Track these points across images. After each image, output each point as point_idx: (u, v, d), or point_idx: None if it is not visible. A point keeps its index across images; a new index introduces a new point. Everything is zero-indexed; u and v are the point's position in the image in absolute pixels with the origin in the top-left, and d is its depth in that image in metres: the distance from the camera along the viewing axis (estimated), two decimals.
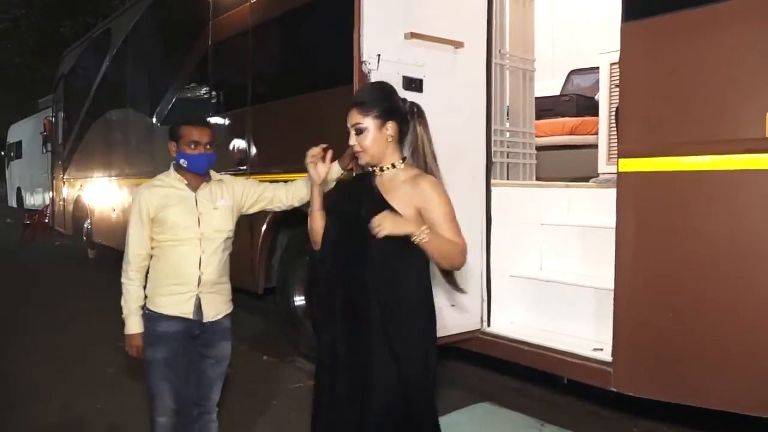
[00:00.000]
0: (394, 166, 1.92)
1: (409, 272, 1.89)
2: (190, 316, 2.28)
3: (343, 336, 1.90)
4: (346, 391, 1.89)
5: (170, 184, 2.34)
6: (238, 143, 4.95)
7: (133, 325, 2.29)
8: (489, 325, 3.41)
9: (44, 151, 11.14)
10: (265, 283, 4.72)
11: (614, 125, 4.52)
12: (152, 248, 2.30)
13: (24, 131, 18.69)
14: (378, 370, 1.84)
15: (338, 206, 2.00)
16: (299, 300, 4.46)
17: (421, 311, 1.93)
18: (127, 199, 7.46)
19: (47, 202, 12.81)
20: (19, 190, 20.07)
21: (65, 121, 9.74)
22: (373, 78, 2.85)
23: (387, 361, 1.84)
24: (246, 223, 4.79)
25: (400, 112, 1.92)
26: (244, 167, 4.79)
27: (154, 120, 6.52)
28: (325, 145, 2.06)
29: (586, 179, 4.57)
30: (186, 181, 2.34)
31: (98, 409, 3.44)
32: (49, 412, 3.40)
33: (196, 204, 2.32)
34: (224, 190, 2.41)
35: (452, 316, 3.23)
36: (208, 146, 2.31)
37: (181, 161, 2.32)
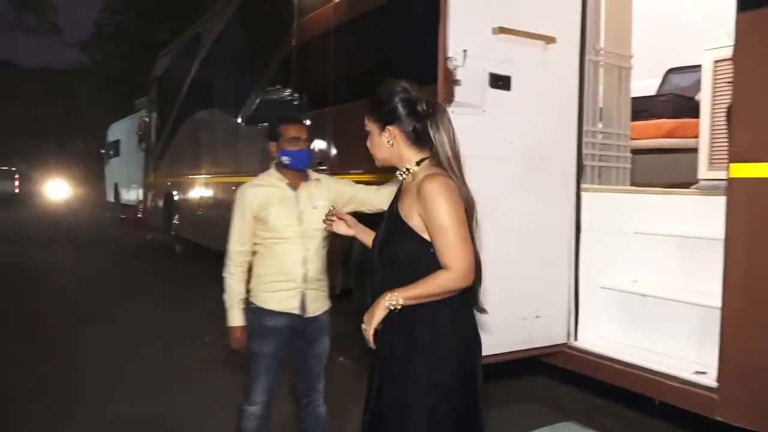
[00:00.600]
0: (408, 170, 1.80)
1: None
2: (296, 312, 2.35)
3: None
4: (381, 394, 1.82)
5: (272, 183, 2.41)
6: (320, 143, 4.96)
7: (235, 318, 2.37)
8: (576, 339, 3.20)
9: (139, 149, 11.76)
10: (342, 284, 4.70)
11: (717, 127, 4.16)
12: (255, 245, 2.39)
13: (122, 131, 19.84)
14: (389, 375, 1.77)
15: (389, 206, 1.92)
16: None
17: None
18: (212, 197, 7.70)
19: (141, 198, 13.50)
20: (116, 186, 21.33)
21: (158, 121, 10.22)
22: (459, 76, 2.73)
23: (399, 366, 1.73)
24: None
25: (408, 114, 1.77)
26: (325, 167, 4.79)
27: (239, 120, 6.68)
28: (331, 209, 2.19)
29: (683, 185, 4.23)
30: (287, 180, 2.40)
31: (179, 402, 3.52)
32: (134, 405, 3.51)
33: (297, 202, 2.38)
34: (321, 189, 2.46)
35: (537, 328, 3.06)
36: (305, 142, 2.42)
37: (284, 158, 2.39)
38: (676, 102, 5.11)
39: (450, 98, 2.74)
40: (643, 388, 2.85)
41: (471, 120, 2.82)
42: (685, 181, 4.43)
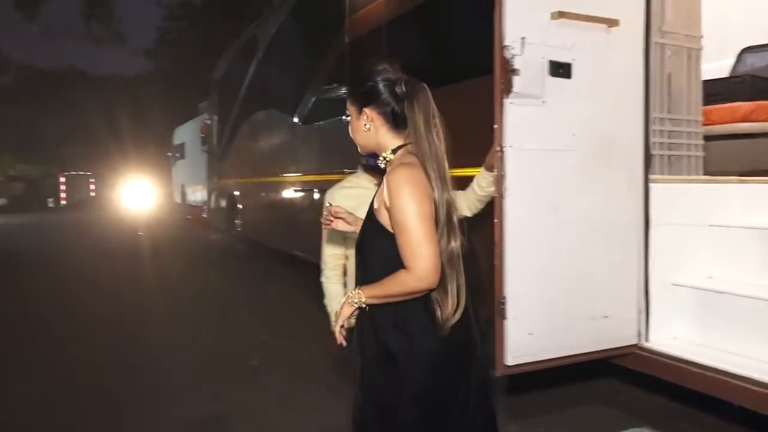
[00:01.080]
0: (385, 158, 1.69)
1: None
2: None
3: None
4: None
5: (361, 185, 2.33)
6: None
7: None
8: (648, 339, 3.02)
9: (202, 151, 12.10)
10: None
11: None
12: (349, 249, 2.33)
13: (186, 134, 20.47)
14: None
15: None
16: None
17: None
18: (271, 197, 7.81)
19: (205, 199, 13.90)
20: (182, 187, 22.06)
21: (219, 124, 10.48)
22: (517, 64, 2.60)
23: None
24: None
25: (387, 96, 1.67)
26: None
27: (296, 120, 6.73)
28: (328, 206, 2.00)
29: (763, 173, 3.93)
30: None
31: (238, 402, 3.56)
32: (198, 403, 3.58)
33: None
34: None
35: (605, 328, 2.90)
36: None
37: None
38: (753, 83, 4.77)
39: (508, 89, 2.62)
40: (721, 392, 2.65)
41: (530, 112, 2.69)
42: (764, 168, 4.12)
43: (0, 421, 3.26)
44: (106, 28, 13.99)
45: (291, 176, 6.86)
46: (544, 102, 2.72)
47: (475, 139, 2.69)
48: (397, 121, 1.68)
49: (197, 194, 19.56)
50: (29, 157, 27.64)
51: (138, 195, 29.95)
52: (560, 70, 2.76)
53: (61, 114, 28.58)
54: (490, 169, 2.51)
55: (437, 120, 1.66)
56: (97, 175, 29.82)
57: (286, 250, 7.06)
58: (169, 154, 24.41)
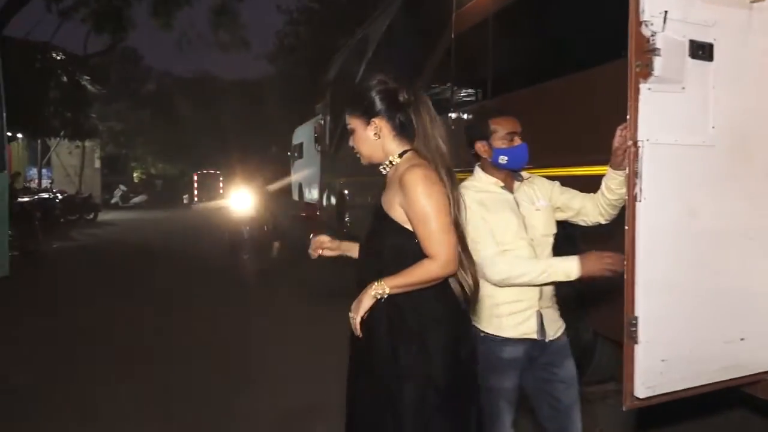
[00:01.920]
0: (391, 162, 1.80)
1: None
2: (534, 336, 2.03)
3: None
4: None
5: (484, 188, 2.11)
6: None
7: (570, 263, 1.93)
8: None
9: (316, 150, 12.44)
10: None
11: None
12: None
13: (304, 134, 21.27)
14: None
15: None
16: None
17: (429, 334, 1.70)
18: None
19: (318, 196, 14.30)
20: (300, 186, 22.97)
21: (331, 123, 10.69)
22: (658, 43, 2.24)
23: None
24: None
25: (391, 104, 1.78)
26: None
27: None
28: (312, 238, 2.07)
29: None
30: (500, 182, 2.12)
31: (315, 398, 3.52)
32: (293, 394, 3.61)
33: (518, 206, 2.09)
34: (536, 189, 2.17)
35: (741, 352, 2.48)
36: (520, 137, 2.12)
37: (501, 158, 2.08)
38: None
39: (647, 72, 2.20)
40: None
41: (669, 99, 2.25)
42: None
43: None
44: (232, 34, 14.76)
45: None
46: (683, 88, 2.31)
47: (601, 133, 2.39)
48: (402, 128, 1.79)
49: (313, 192, 20.29)
50: (168, 157, 30.10)
51: (261, 193, 31.70)
52: (701, 51, 2.34)
53: (195, 117, 30.90)
54: (617, 167, 2.16)
55: (438, 122, 1.81)
56: (225, 173, 31.92)
57: None
58: (289, 153, 25.58)
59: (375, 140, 1.80)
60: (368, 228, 1.84)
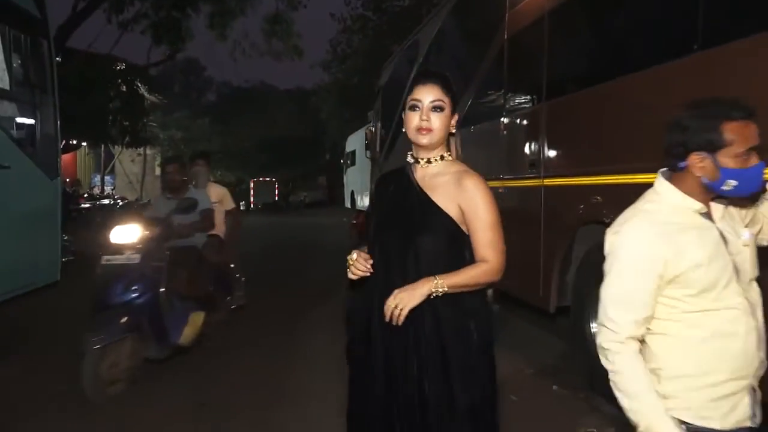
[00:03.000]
0: (442, 157, 1.78)
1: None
2: (748, 424, 1.48)
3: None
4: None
5: (674, 215, 1.48)
6: (533, 143, 4.45)
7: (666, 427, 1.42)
8: None
9: (366, 158, 12.37)
10: (557, 300, 4.14)
11: None
12: (659, 320, 1.49)
13: (356, 142, 21.35)
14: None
15: (385, 202, 1.87)
16: (597, 326, 3.75)
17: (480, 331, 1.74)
18: None
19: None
20: (352, 193, 23.04)
21: (382, 130, 10.58)
22: None
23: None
24: (534, 226, 4.28)
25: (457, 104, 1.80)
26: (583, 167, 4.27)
27: None
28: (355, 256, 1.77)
29: None
30: (699, 205, 1.48)
31: None
32: None
33: (724, 241, 1.48)
34: (733, 212, 1.55)
35: None
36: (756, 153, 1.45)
37: (728, 183, 1.42)
38: None
39: None
40: None
41: None
42: None
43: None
44: (285, 43, 14.97)
45: None
46: None
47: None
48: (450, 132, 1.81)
49: (364, 200, 20.30)
50: (226, 164, 30.85)
51: (315, 200, 32.13)
52: None
53: (252, 125, 31.59)
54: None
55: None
56: (280, 180, 32.45)
57: None
58: (342, 161, 25.74)
59: (448, 130, 1.77)
60: (409, 224, 1.74)
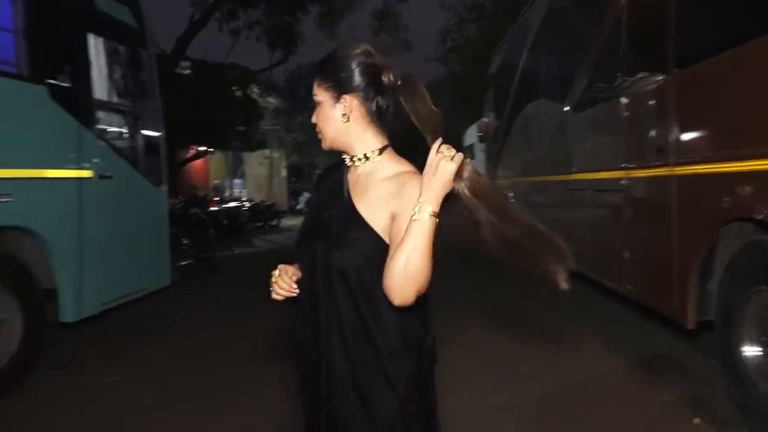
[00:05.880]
0: (367, 157, 1.47)
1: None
2: None
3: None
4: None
5: None
6: (660, 123, 3.75)
7: None
8: None
9: (481, 150, 11.83)
10: (697, 314, 3.41)
11: None
12: None
13: (473, 134, 20.78)
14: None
15: (314, 205, 1.60)
16: (750, 348, 3.01)
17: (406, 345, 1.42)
18: (544, 198, 6.97)
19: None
20: None
21: (495, 120, 9.98)
22: None
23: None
24: (664, 224, 3.60)
25: (371, 82, 1.43)
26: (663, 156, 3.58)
27: (566, 108, 5.76)
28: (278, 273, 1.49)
29: None
30: None
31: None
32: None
33: None
34: None
35: None
36: None
37: None
38: None
39: None
40: None
41: None
42: None
43: None
44: (393, 37, 14.84)
45: (565, 175, 5.91)
46: None
47: None
48: (380, 115, 1.46)
49: None
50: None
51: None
52: None
53: None
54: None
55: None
56: None
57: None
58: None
59: (343, 122, 1.45)
60: (335, 229, 1.45)
